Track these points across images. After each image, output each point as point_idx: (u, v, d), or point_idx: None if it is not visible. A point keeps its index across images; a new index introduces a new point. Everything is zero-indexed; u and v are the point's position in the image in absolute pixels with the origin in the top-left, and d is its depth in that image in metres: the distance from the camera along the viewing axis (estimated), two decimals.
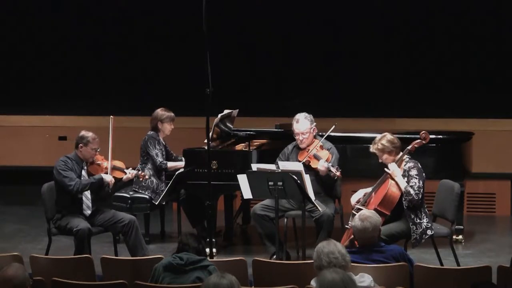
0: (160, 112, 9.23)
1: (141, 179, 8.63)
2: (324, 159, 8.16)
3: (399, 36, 11.42)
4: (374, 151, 7.77)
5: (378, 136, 7.81)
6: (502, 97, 11.11)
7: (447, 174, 8.58)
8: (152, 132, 9.22)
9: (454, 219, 8.02)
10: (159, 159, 9.06)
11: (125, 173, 8.37)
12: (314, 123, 8.39)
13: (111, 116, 8.36)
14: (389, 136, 7.75)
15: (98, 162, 8.25)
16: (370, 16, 11.46)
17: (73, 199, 8.09)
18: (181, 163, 9.01)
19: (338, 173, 8.01)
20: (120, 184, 8.44)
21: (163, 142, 9.28)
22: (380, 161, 7.80)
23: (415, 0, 11.47)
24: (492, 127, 10.91)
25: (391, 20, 11.42)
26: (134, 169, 8.62)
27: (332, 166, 8.08)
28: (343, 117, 10.68)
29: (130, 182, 9.12)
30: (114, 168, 8.32)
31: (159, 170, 9.11)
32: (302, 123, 8.36)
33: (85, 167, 8.20)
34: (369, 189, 7.85)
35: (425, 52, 11.43)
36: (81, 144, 8.14)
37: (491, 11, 11.19)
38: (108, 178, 8.16)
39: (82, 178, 8.12)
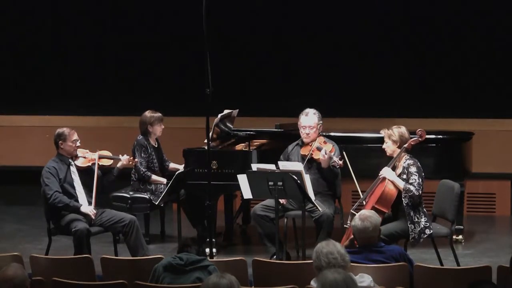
0: (148, 115, 9.21)
1: (130, 162, 8.64)
2: (328, 151, 8.18)
3: (399, 36, 11.41)
4: (383, 134, 7.85)
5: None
6: (502, 97, 11.10)
7: (447, 174, 8.59)
8: (141, 138, 9.19)
9: (454, 219, 8.02)
10: (142, 168, 9.06)
11: (113, 159, 8.40)
12: (321, 122, 8.42)
13: (98, 151, 8.36)
14: (403, 129, 7.81)
15: (84, 155, 8.30)
16: (370, 16, 11.46)
17: (68, 198, 8.11)
18: (163, 180, 9.02)
19: (340, 162, 8.05)
20: (115, 172, 8.42)
21: (155, 145, 9.26)
22: (383, 146, 7.84)
23: (413, 1, 11.47)
24: (492, 127, 10.90)
25: (391, 20, 11.42)
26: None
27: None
28: (343, 117, 10.69)
29: (128, 181, 9.15)
30: (101, 157, 8.35)
31: (141, 179, 9.12)
32: (311, 117, 8.39)
33: (73, 163, 8.22)
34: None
35: (425, 52, 11.42)
36: (60, 142, 8.20)
37: (491, 11, 11.18)
38: (87, 209, 8.09)
39: (72, 175, 8.16)
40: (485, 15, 11.19)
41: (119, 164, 8.44)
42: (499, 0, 11.17)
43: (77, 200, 8.14)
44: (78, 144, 8.24)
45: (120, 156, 8.49)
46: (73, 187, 8.17)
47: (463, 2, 11.27)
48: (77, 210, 8.07)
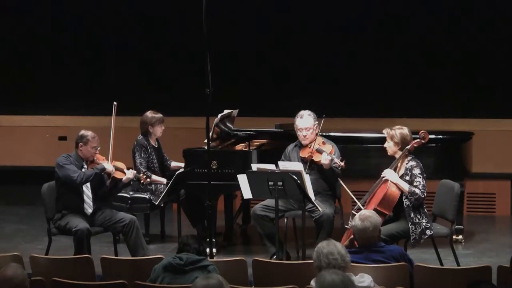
0: (149, 116, 9.22)
1: (142, 181, 8.57)
2: (327, 152, 8.17)
3: (399, 36, 11.42)
4: (385, 134, 7.83)
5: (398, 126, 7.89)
6: (502, 97, 11.11)
7: (447, 174, 8.58)
8: (141, 138, 9.20)
9: (454, 219, 8.02)
10: (142, 168, 9.04)
11: (126, 174, 8.37)
12: (317, 122, 8.40)
13: (114, 103, 8.36)
14: (406, 130, 7.78)
15: (99, 161, 8.25)
16: (370, 16, 11.46)
17: (75, 198, 8.09)
18: (164, 180, 9.02)
19: (342, 164, 8.03)
20: (120, 185, 8.44)
21: (155, 145, 9.27)
22: (384, 145, 7.83)
23: (414, 0, 11.47)
24: (492, 127, 10.91)
25: (391, 20, 11.42)
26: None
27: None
28: (343, 117, 10.69)
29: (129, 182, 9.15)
30: (116, 169, 8.31)
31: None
32: (306, 119, 8.38)
33: (85, 166, 8.20)
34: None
35: (425, 52, 11.42)
36: (81, 143, 8.16)
37: (491, 11, 11.18)
38: (110, 167, 8.17)
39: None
40: (485, 15, 11.18)
41: (124, 178, 8.32)
42: (499, 0, 11.17)
43: (82, 203, 8.12)
44: (97, 151, 8.21)
45: (131, 171, 8.42)
46: (81, 190, 8.14)
47: (463, 2, 11.26)
48: (103, 169, 8.15)
